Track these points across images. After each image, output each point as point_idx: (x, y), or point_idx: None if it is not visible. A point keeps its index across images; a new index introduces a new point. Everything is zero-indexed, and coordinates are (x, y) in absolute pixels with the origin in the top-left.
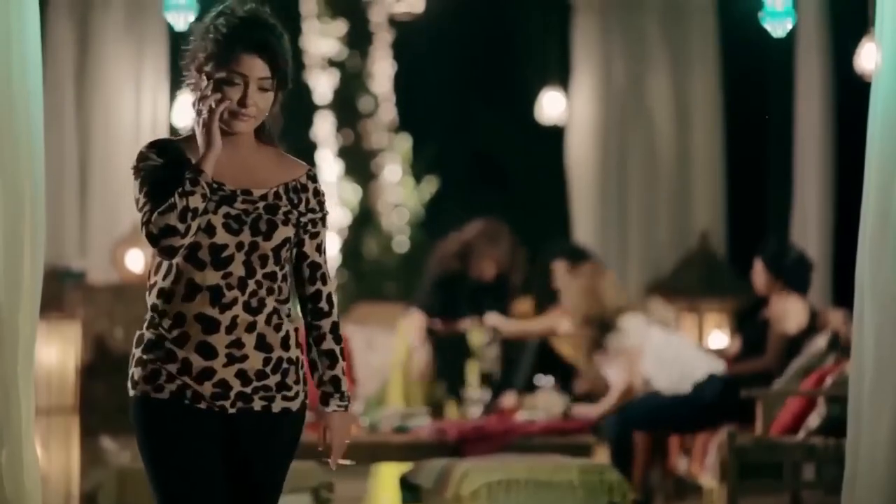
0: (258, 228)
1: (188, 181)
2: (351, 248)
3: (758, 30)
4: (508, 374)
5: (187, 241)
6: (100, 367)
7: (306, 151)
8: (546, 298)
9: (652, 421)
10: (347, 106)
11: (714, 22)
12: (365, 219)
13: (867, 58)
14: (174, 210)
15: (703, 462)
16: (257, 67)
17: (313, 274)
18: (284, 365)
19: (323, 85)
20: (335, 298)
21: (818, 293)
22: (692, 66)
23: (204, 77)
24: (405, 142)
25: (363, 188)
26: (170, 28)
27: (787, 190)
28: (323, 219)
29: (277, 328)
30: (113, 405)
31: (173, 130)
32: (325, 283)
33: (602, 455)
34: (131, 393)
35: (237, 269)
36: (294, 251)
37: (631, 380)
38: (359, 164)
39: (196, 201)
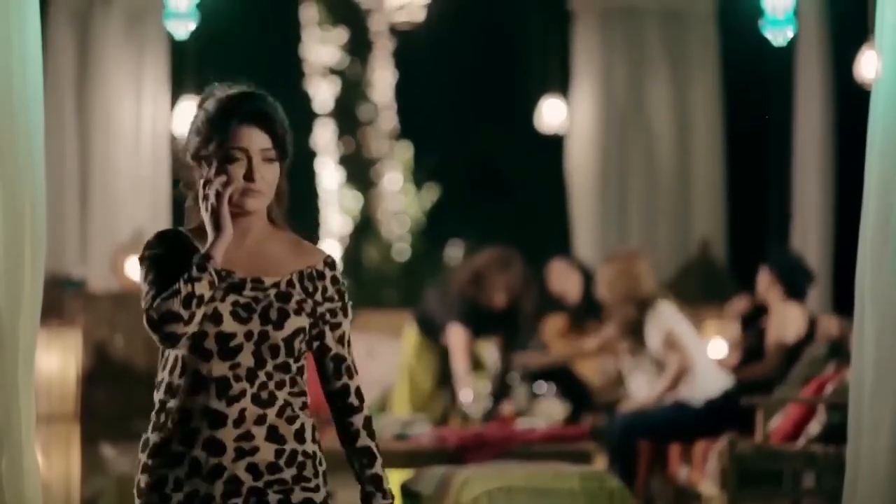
0: (268, 317)
1: (195, 267)
2: (351, 256)
3: (758, 38)
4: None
5: (191, 329)
6: (100, 374)
7: (307, 159)
8: (545, 301)
9: (653, 429)
10: (348, 114)
11: (714, 30)
12: (365, 226)
13: (867, 66)
14: (178, 296)
15: (703, 470)
16: (257, 138)
17: (338, 368)
18: (300, 458)
19: (323, 93)
20: (363, 392)
21: (818, 300)
22: (692, 74)
23: (203, 163)
24: (406, 150)
25: (364, 196)
26: (170, 36)
27: (787, 198)
28: (344, 309)
29: (291, 420)
30: (113, 413)
31: (174, 138)
32: (351, 376)
33: (602, 462)
34: (137, 503)
35: (246, 359)
36: (315, 344)
37: (684, 360)
38: (359, 171)
39: (202, 288)
